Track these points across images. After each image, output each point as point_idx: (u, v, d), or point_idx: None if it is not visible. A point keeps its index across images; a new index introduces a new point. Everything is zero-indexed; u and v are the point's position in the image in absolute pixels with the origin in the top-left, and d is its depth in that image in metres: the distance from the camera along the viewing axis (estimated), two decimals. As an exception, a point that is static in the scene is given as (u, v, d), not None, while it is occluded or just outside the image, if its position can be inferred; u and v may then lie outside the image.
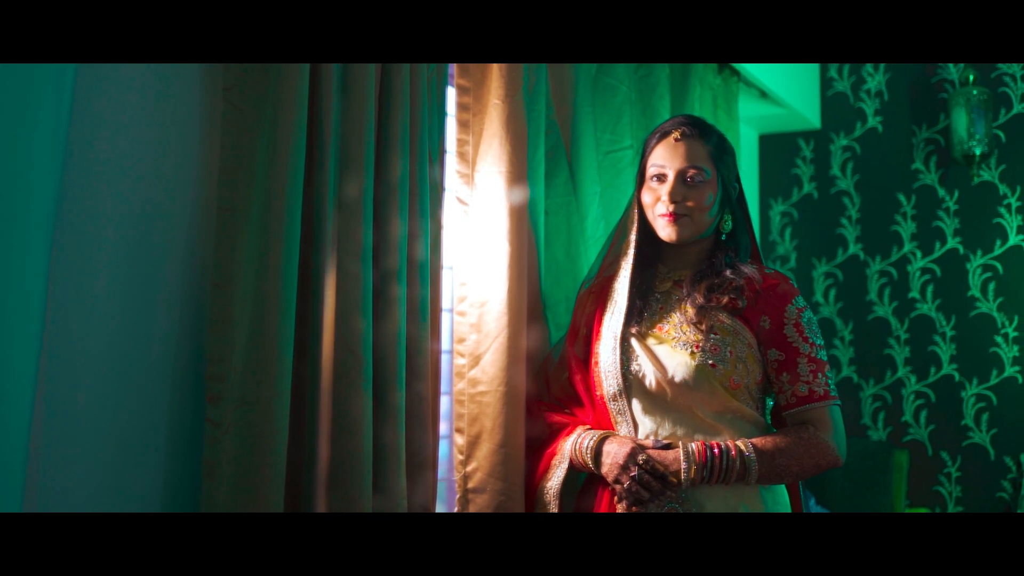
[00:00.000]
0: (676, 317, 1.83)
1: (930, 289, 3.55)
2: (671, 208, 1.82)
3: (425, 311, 1.79)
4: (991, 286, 3.44)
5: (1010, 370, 3.38)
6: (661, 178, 1.85)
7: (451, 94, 2.06)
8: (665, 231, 1.84)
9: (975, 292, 3.46)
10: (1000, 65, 3.47)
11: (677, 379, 1.77)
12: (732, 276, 1.83)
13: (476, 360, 1.99)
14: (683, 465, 1.71)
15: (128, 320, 1.45)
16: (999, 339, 3.41)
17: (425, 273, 1.79)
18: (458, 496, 1.99)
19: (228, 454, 1.46)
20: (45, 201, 1.26)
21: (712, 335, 1.79)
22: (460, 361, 2.01)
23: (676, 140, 1.84)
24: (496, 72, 2.03)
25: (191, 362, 1.54)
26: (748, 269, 1.85)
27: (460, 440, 2.00)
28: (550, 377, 2.04)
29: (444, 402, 2.00)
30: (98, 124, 1.42)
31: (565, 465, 1.86)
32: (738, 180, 1.94)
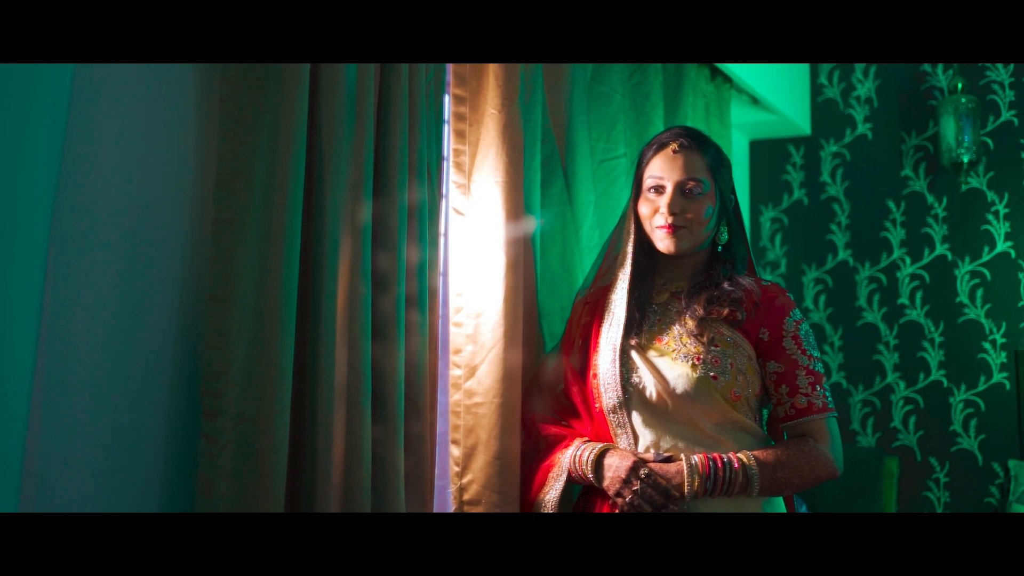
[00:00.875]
0: (676, 329, 1.83)
1: (919, 295, 3.56)
2: (670, 220, 1.81)
3: (424, 327, 1.78)
4: (979, 292, 3.46)
5: (998, 376, 3.41)
6: (659, 190, 1.85)
7: (447, 103, 2.05)
8: (663, 243, 1.84)
9: (963, 298, 3.48)
10: (988, 73, 3.49)
11: (679, 391, 1.77)
12: (731, 288, 1.83)
13: (472, 371, 1.98)
14: (687, 478, 1.71)
15: (123, 330, 1.43)
16: (987, 345, 3.43)
17: (424, 289, 1.78)
18: (454, 508, 1.98)
19: (225, 470, 1.45)
20: (41, 210, 1.25)
21: (713, 347, 1.79)
22: (456, 372, 2.00)
23: (674, 152, 1.84)
24: (492, 82, 2.02)
25: (188, 376, 1.52)
26: (746, 281, 1.85)
27: (456, 452, 1.98)
28: (544, 388, 2.03)
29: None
30: (94, 133, 1.40)
31: (564, 478, 1.85)
32: (733, 191, 1.94)
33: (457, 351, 2.00)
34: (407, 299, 1.74)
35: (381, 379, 1.66)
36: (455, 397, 1.99)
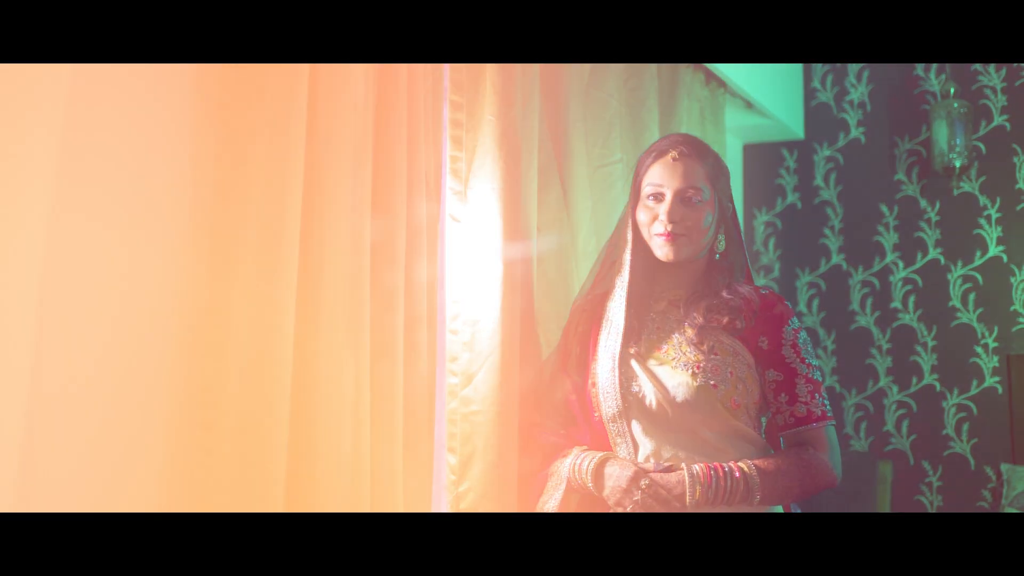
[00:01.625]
0: (675, 337, 1.83)
1: (912, 299, 3.57)
2: (669, 227, 1.81)
3: (423, 337, 1.77)
4: (971, 297, 3.47)
5: (990, 380, 3.41)
6: (658, 197, 1.84)
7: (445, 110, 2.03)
8: (662, 250, 1.83)
9: (956, 302, 3.49)
10: (981, 78, 3.50)
11: (679, 399, 1.76)
12: (729, 296, 1.83)
13: (469, 379, 1.97)
14: (688, 488, 1.70)
15: (119, 338, 1.41)
16: (979, 349, 3.44)
17: (423, 302, 1.77)
18: (451, 516, 1.97)
19: (223, 482, 1.43)
20: (38, 213, 1.23)
21: (712, 355, 1.78)
22: (452, 380, 1.98)
23: (674, 160, 1.83)
24: (490, 88, 2.00)
25: (184, 386, 1.50)
26: (744, 289, 1.85)
27: (452, 460, 1.97)
28: (541, 396, 2.02)
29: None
30: (90, 137, 1.38)
31: (563, 487, 1.84)
32: (731, 199, 1.93)
33: (454, 359, 1.99)
34: (406, 310, 1.72)
35: (380, 391, 1.64)
36: (451, 405, 1.98)
